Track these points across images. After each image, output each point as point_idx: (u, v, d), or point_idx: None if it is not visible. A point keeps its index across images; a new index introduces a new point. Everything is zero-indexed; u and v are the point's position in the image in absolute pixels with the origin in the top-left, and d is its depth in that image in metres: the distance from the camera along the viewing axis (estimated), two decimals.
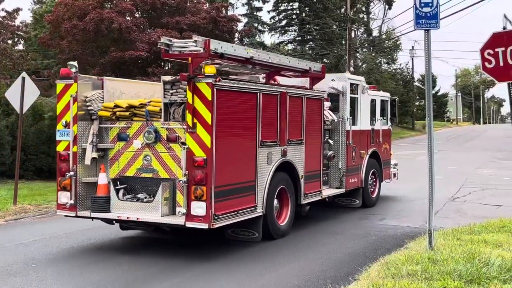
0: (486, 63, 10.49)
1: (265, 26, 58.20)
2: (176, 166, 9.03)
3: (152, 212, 8.98)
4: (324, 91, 12.50)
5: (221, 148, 8.70)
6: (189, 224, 8.61)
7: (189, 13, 26.03)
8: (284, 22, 58.66)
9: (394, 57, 68.16)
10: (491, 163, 26.61)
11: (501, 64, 10.29)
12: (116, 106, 9.59)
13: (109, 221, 10.00)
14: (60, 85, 9.64)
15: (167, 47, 8.94)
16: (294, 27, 58.26)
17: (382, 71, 59.85)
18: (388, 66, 66.72)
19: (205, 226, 8.52)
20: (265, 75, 11.54)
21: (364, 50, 63.01)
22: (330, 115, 12.87)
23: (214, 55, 8.93)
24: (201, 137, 8.52)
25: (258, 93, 9.73)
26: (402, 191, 16.74)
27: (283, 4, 57.89)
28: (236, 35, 31.09)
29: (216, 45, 8.92)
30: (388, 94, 16.66)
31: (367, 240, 10.53)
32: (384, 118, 15.74)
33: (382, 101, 15.60)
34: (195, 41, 8.69)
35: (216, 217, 8.61)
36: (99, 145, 9.57)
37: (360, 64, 59.22)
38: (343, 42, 53.87)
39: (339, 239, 10.60)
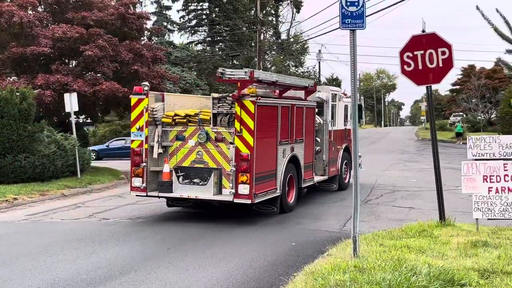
0: (405, 66, 10.38)
1: (174, 25, 57.28)
2: (222, 159, 12.23)
3: (206, 192, 12.10)
4: (315, 101, 15.73)
5: (258, 146, 11.89)
6: (237, 200, 11.80)
7: (96, 8, 24.68)
8: (194, 22, 57.97)
9: (302, 60, 69.18)
10: (397, 165, 27.27)
11: (420, 67, 10.23)
12: (176, 114, 12.79)
13: (170, 199, 13.44)
14: (134, 98, 12.82)
15: (222, 74, 12.05)
16: (204, 28, 57.74)
17: (290, 74, 60.38)
18: (296, 69, 67.51)
19: (248, 201, 11.75)
20: (278, 91, 14.29)
21: (273, 52, 63.48)
22: (318, 119, 16.23)
23: (256, 80, 12.12)
24: (246, 139, 11.74)
25: (279, 106, 13.07)
26: (316, 194, 16.67)
27: (192, 4, 57.17)
28: (146, 33, 29.93)
29: (256, 74, 12.12)
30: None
31: (287, 246, 10.18)
32: None
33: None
34: (245, 72, 11.97)
35: (255, 195, 11.82)
36: (163, 143, 12.74)
37: (269, 66, 59.52)
38: (253, 44, 54.00)
39: (259, 245, 10.18)
